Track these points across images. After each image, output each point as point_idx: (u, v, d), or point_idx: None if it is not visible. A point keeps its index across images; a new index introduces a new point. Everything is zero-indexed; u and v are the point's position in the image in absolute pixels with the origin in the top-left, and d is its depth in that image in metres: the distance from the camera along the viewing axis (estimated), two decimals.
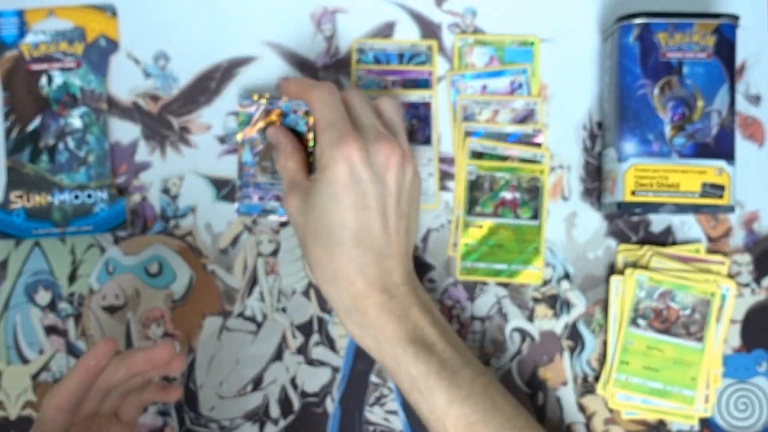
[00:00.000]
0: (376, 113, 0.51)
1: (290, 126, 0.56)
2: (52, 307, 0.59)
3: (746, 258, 0.58)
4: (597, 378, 0.58)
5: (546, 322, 0.58)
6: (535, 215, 0.58)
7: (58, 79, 0.58)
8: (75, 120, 0.58)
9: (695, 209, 0.54)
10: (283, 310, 0.59)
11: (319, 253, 0.49)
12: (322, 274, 0.49)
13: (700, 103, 0.54)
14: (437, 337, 0.48)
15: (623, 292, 0.57)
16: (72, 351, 0.58)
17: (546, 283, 0.58)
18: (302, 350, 0.58)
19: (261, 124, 0.57)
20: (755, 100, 0.59)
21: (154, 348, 0.48)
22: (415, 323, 0.48)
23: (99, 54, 0.59)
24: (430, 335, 0.48)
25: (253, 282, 0.59)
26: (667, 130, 0.54)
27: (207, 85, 0.59)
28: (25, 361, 0.58)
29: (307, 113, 0.55)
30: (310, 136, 0.55)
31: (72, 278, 0.59)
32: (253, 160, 0.57)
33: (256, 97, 0.56)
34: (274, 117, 0.56)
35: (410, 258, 0.51)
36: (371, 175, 0.48)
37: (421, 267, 0.59)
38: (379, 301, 0.48)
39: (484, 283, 0.59)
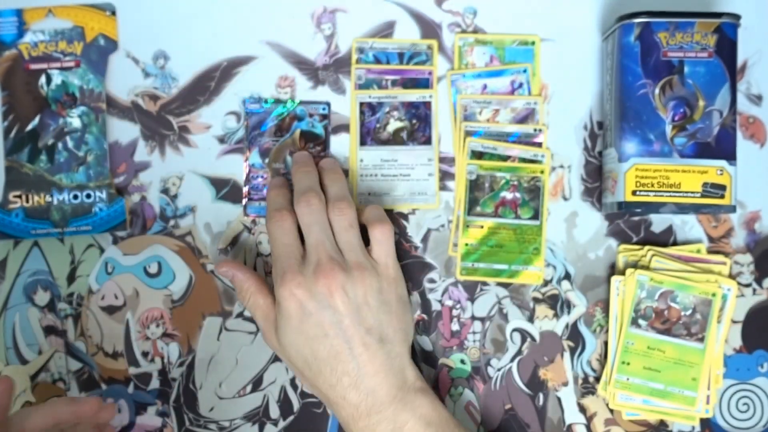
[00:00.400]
0: (321, 232, 0.52)
1: (307, 130, 0.56)
2: (51, 307, 0.58)
3: (747, 258, 0.58)
4: (598, 379, 0.58)
5: (546, 323, 0.58)
6: (536, 215, 0.58)
7: (57, 78, 0.58)
8: (74, 120, 0.58)
9: (696, 209, 0.54)
10: None
11: (306, 380, 0.52)
12: (318, 395, 0.52)
13: (701, 103, 0.53)
14: None
15: (624, 292, 0.56)
16: (71, 351, 0.58)
17: (546, 283, 0.58)
18: None
19: (273, 128, 0.57)
20: (757, 99, 0.59)
21: (81, 402, 0.50)
22: None
23: (98, 53, 0.59)
24: None
25: None
26: (668, 129, 0.53)
27: (206, 85, 0.59)
28: (23, 361, 0.58)
29: (324, 117, 0.56)
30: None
31: (71, 278, 0.59)
32: (263, 162, 0.57)
33: (271, 99, 0.57)
34: (288, 120, 0.57)
35: (403, 364, 0.51)
36: (317, 304, 0.49)
37: (421, 267, 0.58)
38: (367, 426, 0.49)
39: (485, 284, 0.58)
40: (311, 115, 0.57)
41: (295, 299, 0.49)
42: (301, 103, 0.58)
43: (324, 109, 0.58)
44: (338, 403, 0.50)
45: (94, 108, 0.58)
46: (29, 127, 0.58)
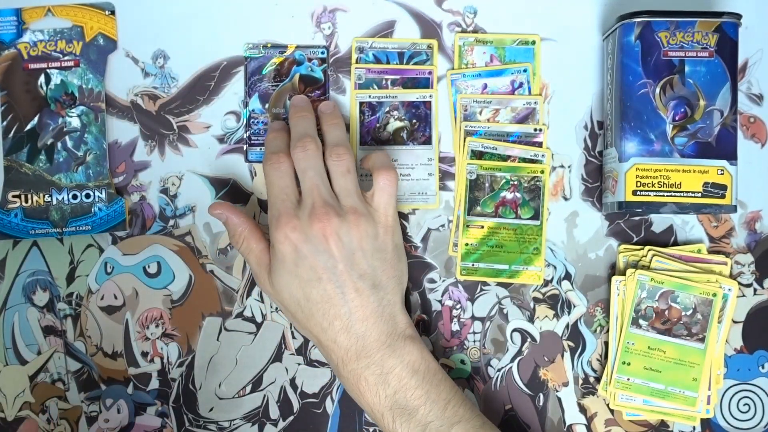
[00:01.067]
0: (316, 177, 0.52)
1: (306, 75, 0.56)
2: (50, 307, 0.58)
3: (748, 258, 0.58)
4: (598, 379, 0.58)
5: (547, 323, 0.58)
6: (536, 215, 0.57)
7: (56, 78, 0.58)
8: (73, 119, 0.58)
9: (697, 209, 0.54)
10: None
11: (298, 323, 0.52)
12: (309, 337, 0.53)
13: (701, 103, 0.53)
14: (421, 399, 0.49)
15: (624, 292, 0.56)
16: (70, 352, 0.58)
17: (547, 283, 0.58)
18: (302, 351, 0.58)
19: (272, 73, 0.57)
20: (757, 99, 0.59)
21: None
22: (396, 388, 0.49)
23: (97, 53, 0.59)
24: (412, 399, 0.49)
25: (253, 282, 0.58)
26: (669, 129, 0.53)
27: (206, 85, 0.59)
28: (23, 361, 0.58)
29: (323, 61, 0.56)
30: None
31: (70, 278, 0.58)
32: (263, 107, 0.57)
33: (268, 45, 0.56)
34: (287, 65, 0.56)
35: (394, 311, 0.51)
36: (312, 248, 0.49)
37: (421, 267, 0.58)
38: (355, 369, 0.50)
39: (485, 284, 0.58)
40: (310, 60, 0.56)
41: (289, 242, 0.49)
42: (300, 47, 0.58)
43: (323, 53, 0.58)
44: (329, 346, 0.50)
45: (94, 107, 0.58)
46: (28, 126, 0.58)
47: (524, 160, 0.58)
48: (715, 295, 0.55)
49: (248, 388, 0.58)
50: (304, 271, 0.50)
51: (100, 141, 0.58)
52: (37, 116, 0.58)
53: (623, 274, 0.57)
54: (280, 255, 0.50)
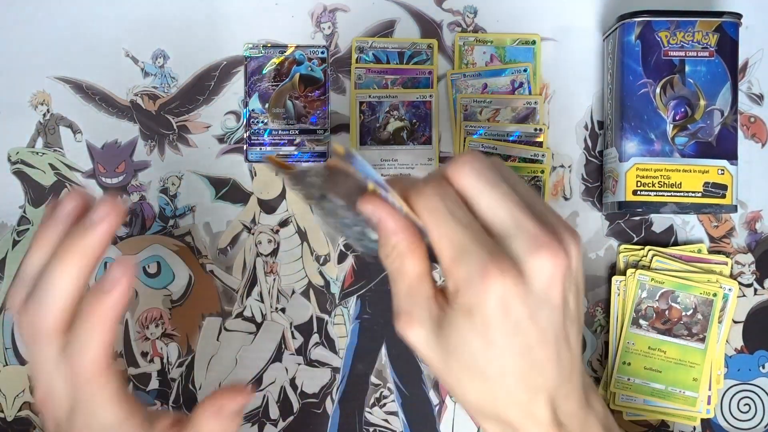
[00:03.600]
0: (510, 194, 0.36)
1: (306, 74, 0.56)
2: None
3: (749, 258, 0.58)
4: (598, 379, 0.58)
5: None
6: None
7: None
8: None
9: (697, 209, 0.54)
10: (283, 310, 0.58)
11: (472, 395, 0.37)
12: (480, 413, 0.38)
13: (702, 102, 0.53)
14: None
15: (625, 292, 0.56)
16: None
17: None
18: (302, 351, 0.58)
19: (272, 72, 0.57)
20: (758, 99, 0.59)
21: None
22: None
23: None
24: None
25: (253, 282, 0.58)
26: (669, 129, 0.53)
27: (206, 85, 0.59)
28: (23, 361, 0.58)
29: (323, 60, 0.55)
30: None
31: None
32: (263, 107, 0.57)
33: (268, 45, 0.56)
34: (287, 65, 0.56)
35: (582, 361, 0.39)
36: (533, 306, 0.35)
37: None
38: None
39: None
40: (310, 59, 0.56)
41: (502, 304, 0.34)
42: (300, 47, 0.58)
43: (323, 52, 0.58)
44: (516, 421, 0.37)
45: None
46: None
47: (524, 160, 0.58)
48: (715, 295, 0.55)
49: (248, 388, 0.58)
50: (514, 342, 0.35)
51: None
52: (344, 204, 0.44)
53: (623, 274, 0.57)
54: (479, 321, 0.35)
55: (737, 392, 0.57)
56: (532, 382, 0.36)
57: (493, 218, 0.35)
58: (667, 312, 0.55)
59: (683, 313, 0.55)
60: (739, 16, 0.53)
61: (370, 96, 0.58)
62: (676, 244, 0.58)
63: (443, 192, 0.35)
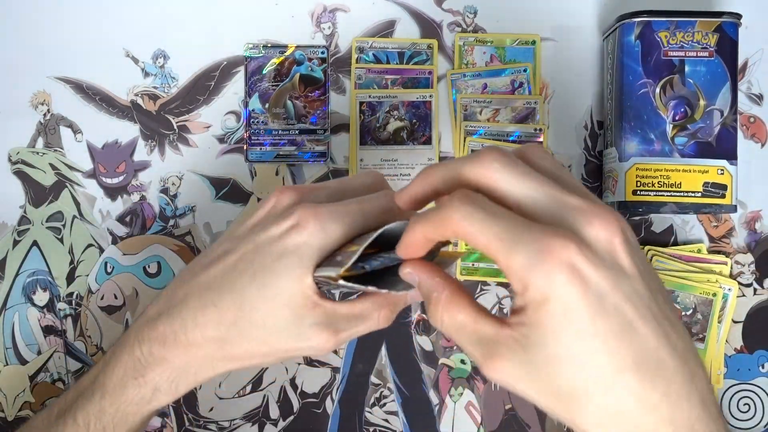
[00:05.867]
0: (544, 179, 0.33)
1: (306, 74, 0.56)
2: (50, 307, 0.58)
3: (748, 258, 0.58)
4: None
5: None
6: None
7: None
8: None
9: (697, 209, 0.54)
10: None
11: (592, 406, 0.31)
12: (600, 426, 0.32)
13: (701, 102, 0.53)
14: None
15: None
16: (70, 351, 0.58)
17: None
18: None
19: (272, 73, 0.57)
20: (757, 99, 0.59)
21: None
22: None
23: None
24: None
25: None
26: (669, 129, 0.53)
27: (206, 85, 0.59)
28: (23, 361, 0.58)
29: (323, 61, 0.55)
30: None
31: (70, 278, 0.58)
32: (263, 107, 0.57)
33: (268, 45, 0.56)
34: (287, 65, 0.56)
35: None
36: (606, 273, 0.30)
37: None
38: None
39: (485, 283, 0.58)
40: (310, 59, 0.56)
41: (575, 278, 0.30)
42: (300, 47, 0.58)
43: (323, 52, 0.58)
44: (641, 423, 0.31)
45: None
46: None
47: None
48: (715, 295, 0.55)
49: (248, 388, 0.58)
50: (602, 322, 0.30)
51: None
52: None
53: None
54: (557, 311, 0.31)
55: (737, 392, 0.58)
56: (640, 364, 0.30)
57: (534, 205, 0.32)
58: None
59: (683, 313, 0.55)
60: (738, 16, 0.53)
61: (370, 96, 0.58)
62: (675, 244, 0.58)
63: (470, 198, 0.32)
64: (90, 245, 0.59)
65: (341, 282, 0.35)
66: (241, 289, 0.37)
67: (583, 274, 0.30)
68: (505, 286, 0.58)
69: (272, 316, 0.37)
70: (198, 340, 0.37)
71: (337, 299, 0.39)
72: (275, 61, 0.58)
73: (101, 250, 0.59)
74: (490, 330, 0.32)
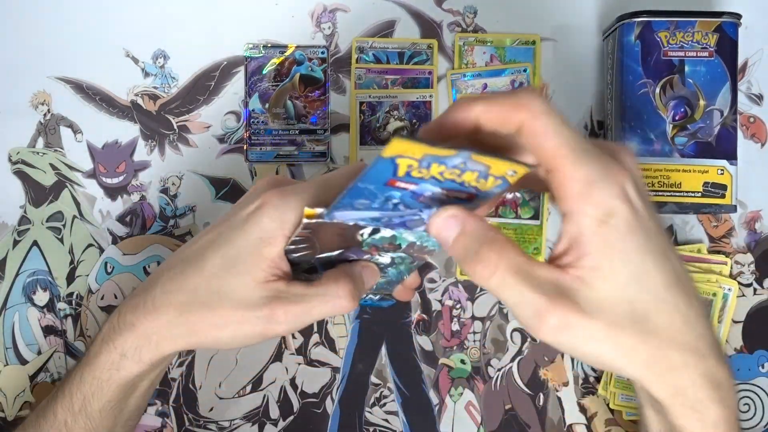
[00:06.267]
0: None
1: (306, 74, 0.56)
2: (50, 307, 0.58)
3: (748, 258, 0.58)
4: (598, 379, 0.58)
5: None
6: (536, 215, 0.57)
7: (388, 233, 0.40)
8: (384, 258, 0.41)
9: (697, 209, 0.54)
10: None
11: (653, 363, 0.32)
12: (669, 394, 0.33)
13: (701, 102, 0.53)
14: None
15: None
16: (70, 351, 0.58)
17: None
18: (302, 350, 0.58)
19: (272, 73, 0.57)
20: (757, 99, 0.59)
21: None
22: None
23: None
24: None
25: None
26: (669, 129, 0.53)
27: (206, 85, 0.59)
28: (23, 361, 0.58)
29: (323, 60, 0.55)
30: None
31: (70, 278, 0.58)
32: (263, 107, 0.57)
33: (268, 45, 0.56)
34: (287, 65, 0.56)
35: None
36: (646, 203, 0.33)
37: (421, 267, 0.58)
38: (711, 371, 0.33)
39: None
40: (310, 59, 0.56)
41: (630, 203, 0.32)
42: (300, 47, 0.58)
43: (323, 53, 0.58)
44: (698, 349, 0.32)
45: (417, 257, 0.42)
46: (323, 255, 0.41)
47: None
48: (715, 294, 0.55)
49: (248, 388, 0.58)
50: (652, 247, 0.32)
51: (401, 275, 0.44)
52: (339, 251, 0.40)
53: None
54: (621, 228, 0.31)
55: (737, 392, 0.57)
56: (684, 288, 0.32)
57: (579, 143, 0.32)
58: None
59: None
60: (738, 16, 0.54)
61: (370, 96, 0.58)
62: (675, 244, 0.58)
63: (545, 99, 0.33)
64: (90, 245, 0.59)
65: (304, 221, 0.35)
66: (206, 258, 0.39)
67: (633, 200, 0.31)
68: None
69: (228, 285, 0.38)
70: (163, 306, 0.39)
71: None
72: (275, 61, 0.58)
73: (101, 250, 0.59)
74: (549, 273, 0.31)
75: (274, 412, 0.58)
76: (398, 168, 0.31)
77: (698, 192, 0.53)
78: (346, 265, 0.40)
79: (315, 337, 0.58)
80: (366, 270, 0.40)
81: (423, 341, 0.58)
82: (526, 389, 0.58)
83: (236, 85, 0.59)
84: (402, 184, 0.33)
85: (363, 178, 0.32)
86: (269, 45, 0.59)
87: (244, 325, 0.38)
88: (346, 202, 0.34)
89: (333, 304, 0.38)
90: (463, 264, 0.33)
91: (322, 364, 0.58)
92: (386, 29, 0.59)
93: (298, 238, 0.37)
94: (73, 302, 0.58)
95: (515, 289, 0.31)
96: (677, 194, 0.53)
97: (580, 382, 0.58)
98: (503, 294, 0.32)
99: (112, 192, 0.59)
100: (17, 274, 0.58)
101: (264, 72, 0.59)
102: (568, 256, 0.32)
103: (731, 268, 0.57)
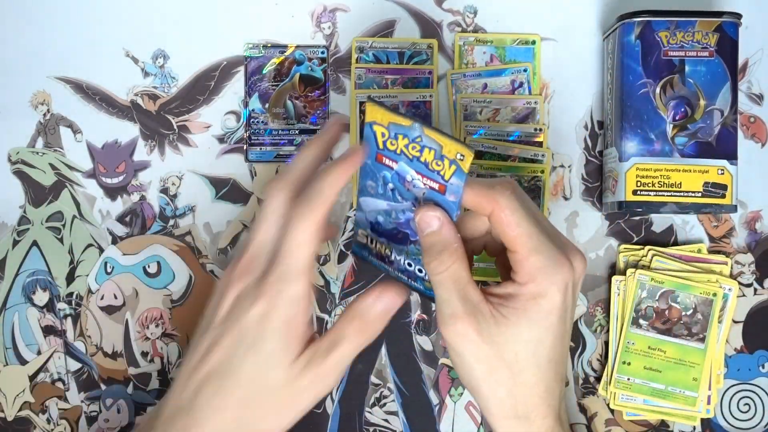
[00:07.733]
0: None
1: (306, 74, 0.56)
2: (50, 307, 0.58)
3: (748, 258, 0.58)
4: (598, 379, 0.58)
5: None
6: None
7: None
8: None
9: (697, 209, 0.54)
10: None
11: (503, 390, 0.41)
12: (502, 410, 0.41)
13: (702, 102, 0.53)
14: None
15: (625, 292, 0.56)
16: (70, 351, 0.58)
17: None
18: None
19: (272, 72, 0.57)
20: (758, 99, 0.59)
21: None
22: None
23: None
24: None
25: None
26: (669, 129, 0.53)
27: (206, 85, 0.59)
28: (23, 361, 0.58)
29: (323, 60, 0.55)
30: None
31: (70, 278, 0.58)
32: (263, 107, 0.57)
33: (268, 45, 0.56)
34: (287, 65, 0.56)
35: None
36: (574, 298, 0.42)
37: None
38: None
39: (485, 283, 0.58)
40: (310, 59, 0.56)
41: (564, 292, 0.40)
42: (300, 47, 0.58)
43: (323, 52, 0.58)
44: (542, 412, 0.41)
45: None
46: None
47: (524, 159, 0.58)
48: (715, 294, 0.55)
49: None
50: (562, 328, 0.41)
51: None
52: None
53: (623, 273, 0.57)
54: (547, 307, 0.40)
55: (737, 392, 0.58)
56: (560, 368, 0.41)
57: (543, 227, 0.41)
58: (666, 312, 0.55)
59: (683, 313, 0.55)
60: (738, 16, 0.53)
61: (370, 96, 0.58)
62: (676, 244, 0.58)
63: (518, 191, 0.40)
64: (90, 245, 0.59)
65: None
66: (238, 367, 0.41)
67: (569, 292, 0.40)
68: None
69: (268, 380, 0.41)
70: (218, 425, 0.41)
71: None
72: (275, 61, 0.58)
73: (101, 250, 0.59)
74: (477, 297, 0.40)
75: None
76: (377, 136, 0.40)
77: (698, 192, 0.53)
78: (355, 300, 0.43)
79: None
80: (384, 294, 0.43)
81: (423, 341, 0.58)
82: None
83: (236, 85, 0.59)
84: (387, 161, 0.40)
85: (365, 152, 0.40)
86: (269, 45, 0.59)
87: (298, 403, 0.43)
88: (362, 185, 0.42)
89: (353, 342, 0.42)
90: (426, 253, 0.40)
91: None
92: (386, 29, 0.59)
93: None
94: (73, 302, 0.58)
95: (450, 291, 0.40)
96: (677, 194, 0.53)
97: (580, 382, 0.58)
98: (439, 289, 0.40)
99: (111, 192, 0.59)
100: (17, 274, 0.58)
101: (264, 72, 0.59)
102: (501, 297, 0.40)
103: (731, 268, 0.57)
